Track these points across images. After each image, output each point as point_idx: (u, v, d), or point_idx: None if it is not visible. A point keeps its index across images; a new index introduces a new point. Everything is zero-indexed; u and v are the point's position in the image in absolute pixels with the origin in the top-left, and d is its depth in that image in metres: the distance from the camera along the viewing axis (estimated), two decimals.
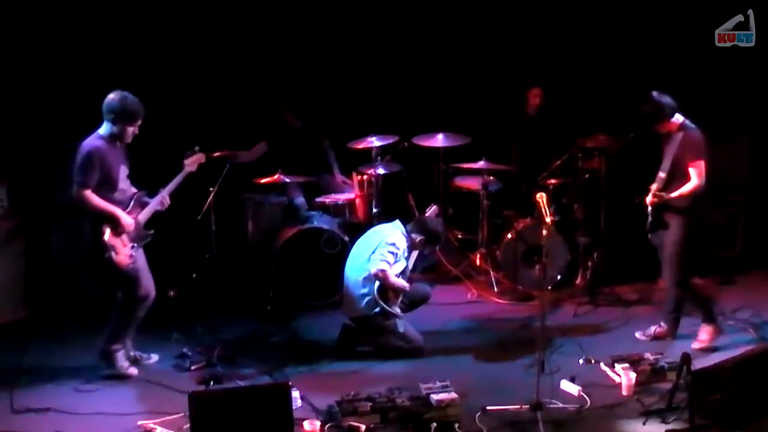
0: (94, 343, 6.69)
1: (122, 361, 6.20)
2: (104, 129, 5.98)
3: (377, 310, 6.47)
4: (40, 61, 7.84)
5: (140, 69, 8.00)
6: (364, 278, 6.49)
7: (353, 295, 6.57)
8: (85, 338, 6.84)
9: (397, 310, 6.52)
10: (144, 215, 6.12)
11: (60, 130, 7.71)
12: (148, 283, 6.19)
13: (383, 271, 6.39)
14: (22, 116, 7.70)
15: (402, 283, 6.52)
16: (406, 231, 6.64)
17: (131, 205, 6.08)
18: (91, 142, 5.93)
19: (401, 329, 6.52)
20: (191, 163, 6.30)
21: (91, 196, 5.86)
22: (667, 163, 6.29)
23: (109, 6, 7.99)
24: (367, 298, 6.49)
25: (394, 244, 6.47)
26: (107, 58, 8.01)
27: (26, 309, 7.37)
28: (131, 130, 5.97)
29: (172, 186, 6.21)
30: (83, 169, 5.85)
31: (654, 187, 6.28)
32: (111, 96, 5.94)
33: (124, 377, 6.14)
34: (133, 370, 6.22)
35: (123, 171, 6.05)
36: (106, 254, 5.92)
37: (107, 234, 5.91)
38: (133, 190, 6.14)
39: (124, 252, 5.98)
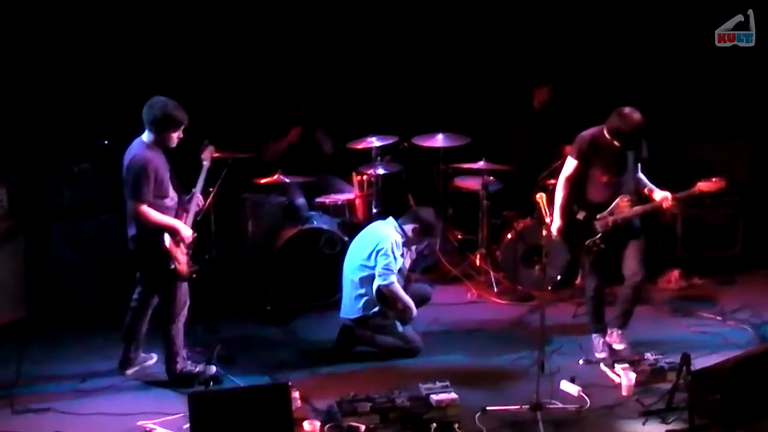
0: (94, 343, 6.73)
1: (195, 368, 6.08)
2: (147, 136, 5.81)
3: (375, 310, 6.48)
4: (41, 61, 7.83)
5: (140, 70, 8.01)
6: (361, 278, 6.49)
7: (351, 295, 6.57)
8: (85, 338, 6.85)
9: None
10: (190, 220, 6.01)
11: (60, 130, 7.72)
12: (187, 291, 6.05)
13: (391, 284, 6.39)
14: (23, 116, 7.70)
15: (408, 300, 6.51)
16: (399, 226, 6.64)
17: (178, 212, 5.96)
18: (142, 153, 5.75)
19: (400, 329, 6.52)
20: (206, 158, 6.24)
21: (148, 211, 5.70)
22: (631, 168, 6.24)
23: (110, 6, 7.99)
24: (365, 299, 6.49)
25: (385, 252, 6.42)
26: (107, 58, 8.02)
27: (26, 309, 7.36)
28: (176, 135, 5.84)
29: (200, 184, 6.12)
30: (139, 183, 5.68)
31: (626, 198, 6.20)
32: (150, 103, 5.78)
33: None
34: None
35: (169, 177, 5.90)
36: (171, 265, 5.79)
37: (168, 244, 5.78)
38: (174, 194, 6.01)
39: (184, 261, 5.88)
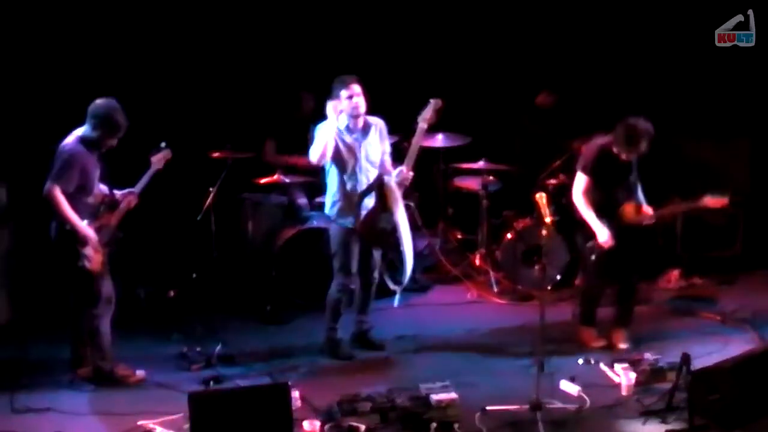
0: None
1: (121, 370, 6.12)
2: (84, 132, 5.89)
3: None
4: (40, 61, 7.83)
5: (140, 70, 8.00)
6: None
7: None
8: None
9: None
10: (116, 218, 6.02)
11: (60, 130, 7.70)
12: (108, 287, 6.04)
13: None
14: (22, 116, 7.70)
15: None
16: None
17: (101, 209, 5.97)
18: (73, 146, 5.85)
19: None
20: (158, 161, 6.12)
21: (60, 197, 5.72)
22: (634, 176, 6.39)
23: (109, 6, 7.99)
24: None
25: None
26: (108, 58, 8.01)
27: (25, 309, 7.35)
28: (110, 142, 5.89)
29: (141, 185, 6.09)
30: (62, 171, 5.75)
31: (632, 205, 6.36)
32: (99, 102, 5.87)
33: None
34: (141, 372, 6.14)
35: (97, 176, 5.95)
36: (79, 263, 5.83)
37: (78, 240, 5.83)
38: (105, 192, 6.04)
39: (97, 259, 5.87)
